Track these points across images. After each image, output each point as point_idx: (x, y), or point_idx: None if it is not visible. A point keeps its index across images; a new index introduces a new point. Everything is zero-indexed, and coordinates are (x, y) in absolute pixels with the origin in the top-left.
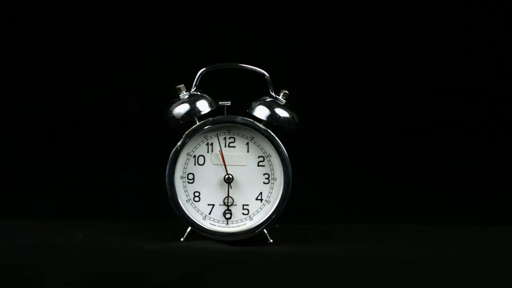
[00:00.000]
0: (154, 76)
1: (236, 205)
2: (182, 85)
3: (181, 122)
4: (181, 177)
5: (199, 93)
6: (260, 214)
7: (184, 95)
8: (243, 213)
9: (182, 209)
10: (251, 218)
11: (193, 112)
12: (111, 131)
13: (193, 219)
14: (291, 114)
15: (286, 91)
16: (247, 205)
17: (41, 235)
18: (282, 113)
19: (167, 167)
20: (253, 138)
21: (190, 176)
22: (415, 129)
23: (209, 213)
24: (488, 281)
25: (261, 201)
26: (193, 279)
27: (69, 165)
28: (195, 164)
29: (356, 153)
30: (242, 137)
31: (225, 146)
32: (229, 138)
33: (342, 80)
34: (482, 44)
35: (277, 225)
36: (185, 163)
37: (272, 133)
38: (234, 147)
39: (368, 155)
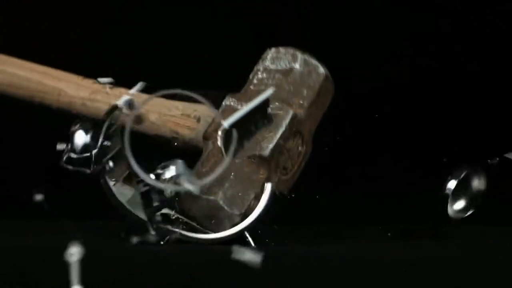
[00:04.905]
0: (153, 76)
1: None
2: None
3: None
4: None
5: None
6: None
7: None
8: None
9: None
10: None
11: None
12: None
13: None
14: None
15: None
16: None
17: (41, 235)
18: None
19: None
20: None
21: None
22: (414, 128)
23: None
24: (488, 281)
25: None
26: (193, 279)
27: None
28: None
29: (356, 153)
30: None
31: None
32: None
33: (342, 80)
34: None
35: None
36: None
37: None
38: None
39: (368, 155)
